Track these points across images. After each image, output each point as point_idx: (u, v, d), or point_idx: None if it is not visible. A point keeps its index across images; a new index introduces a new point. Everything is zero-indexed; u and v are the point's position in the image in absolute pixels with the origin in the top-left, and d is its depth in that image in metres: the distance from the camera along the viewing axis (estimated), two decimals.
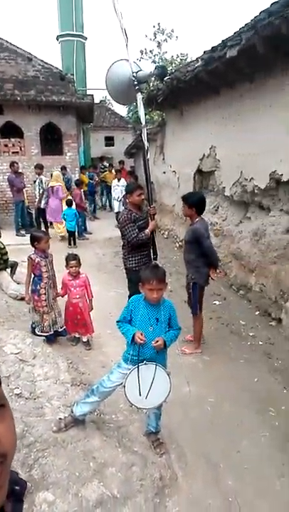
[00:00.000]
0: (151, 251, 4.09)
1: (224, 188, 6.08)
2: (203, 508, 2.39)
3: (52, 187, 9.40)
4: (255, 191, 5.12)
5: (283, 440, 2.92)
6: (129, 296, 3.52)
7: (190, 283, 4.07)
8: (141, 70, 3.30)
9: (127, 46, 3.20)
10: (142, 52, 24.36)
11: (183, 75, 6.31)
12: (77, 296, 4.14)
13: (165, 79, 6.50)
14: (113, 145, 23.21)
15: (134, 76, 3.28)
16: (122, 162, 13.65)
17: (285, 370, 3.81)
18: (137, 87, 3.31)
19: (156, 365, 2.44)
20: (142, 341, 2.40)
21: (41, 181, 9.52)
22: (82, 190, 9.88)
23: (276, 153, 4.58)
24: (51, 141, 11.98)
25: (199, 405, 3.29)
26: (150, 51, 24.52)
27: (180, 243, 8.29)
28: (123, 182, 10.33)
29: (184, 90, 6.69)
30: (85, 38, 17.47)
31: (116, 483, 2.40)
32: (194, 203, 3.97)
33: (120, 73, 3.35)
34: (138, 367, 2.43)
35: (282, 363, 3.94)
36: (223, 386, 3.58)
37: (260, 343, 4.34)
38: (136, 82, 3.27)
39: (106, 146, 23.13)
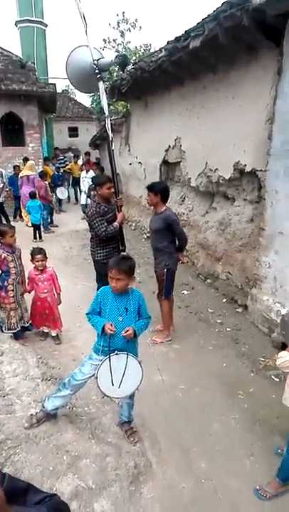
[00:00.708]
0: (120, 243, 4.09)
1: (190, 178, 6.14)
2: (177, 492, 2.45)
3: (27, 176, 9.55)
4: (220, 182, 5.21)
5: (252, 421, 3.03)
6: (98, 289, 3.50)
7: (164, 269, 4.10)
8: (102, 58, 3.24)
9: (86, 32, 3.13)
10: (105, 41, 23.97)
11: (147, 65, 6.27)
12: (45, 291, 4.06)
13: (127, 68, 6.43)
14: (77, 136, 22.77)
15: (94, 64, 3.22)
16: (88, 153, 13.43)
17: (251, 354, 3.95)
18: (98, 76, 3.25)
19: (127, 354, 2.45)
20: (112, 332, 2.40)
21: (1, 175, 9.20)
22: (46, 182, 9.64)
23: (239, 144, 4.68)
24: (12, 132, 11.57)
25: (171, 393, 3.35)
26: (113, 40, 24.19)
27: (148, 234, 8.32)
28: (92, 174, 10.20)
29: (148, 81, 6.65)
30: (46, 25, 16.89)
31: (91, 475, 2.41)
32: (159, 190, 4.00)
33: (81, 60, 3.28)
34: (109, 357, 2.43)
35: (248, 347, 4.08)
36: (194, 373, 3.66)
37: (228, 329, 4.47)
38: (97, 70, 3.21)
39: (70, 137, 22.65)
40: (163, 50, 5.66)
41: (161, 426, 2.97)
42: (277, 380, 3.49)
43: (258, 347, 4.08)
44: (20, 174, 9.97)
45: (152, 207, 4.17)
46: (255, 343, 4.17)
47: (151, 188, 4.05)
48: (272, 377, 3.57)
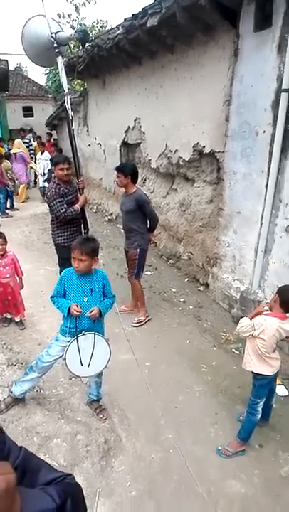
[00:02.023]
0: (82, 226, 4.05)
1: (150, 160, 6.15)
2: (146, 463, 2.56)
3: (14, 153, 9.89)
4: (180, 163, 5.26)
5: (215, 392, 3.20)
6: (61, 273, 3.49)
7: (136, 249, 4.15)
8: (61, 31, 3.12)
9: (43, 1, 2.99)
10: (59, 16, 22.82)
11: (104, 42, 6.10)
12: (7, 276, 3.96)
13: (86, 45, 6.23)
14: (32, 116, 21.88)
15: (52, 37, 3.10)
16: (49, 134, 12.98)
17: (213, 329, 4.13)
18: (57, 50, 3.13)
19: (94, 333, 2.49)
20: (77, 313, 2.41)
21: None
22: (1, 164, 9.23)
23: (198, 125, 4.73)
24: None
25: (138, 370, 3.44)
26: (68, 15, 23.11)
27: (110, 217, 8.28)
28: (46, 155, 9.89)
29: (106, 59, 6.50)
30: None
31: (62, 453, 2.45)
32: (129, 171, 3.98)
33: (39, 31, 3.13)
34: (77, 338, 2.45)
35: (210, 323, 4.25)
36: (159, 350, 3.77)
37: (191, 307, 4.62)
38: (56, 45, 3.09)
39: (25, 116, 21.71)
40: (120, 27, 5.53)
41: (129, 402, 3.06)
42: (238, 352, 3.68)
43: (219, 323, 4.26)
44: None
45: (122, 188, 4.15)
46: (217, 319, 4.35)
47: (121, 169, 4.01)
48: (233, 350, 3.76)
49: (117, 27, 5.79)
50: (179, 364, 3.56)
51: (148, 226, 4.20)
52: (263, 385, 2.52)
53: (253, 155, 3.79)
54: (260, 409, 2.55)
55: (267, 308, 2.49)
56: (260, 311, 2.47)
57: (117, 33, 5.63)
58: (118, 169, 4.04)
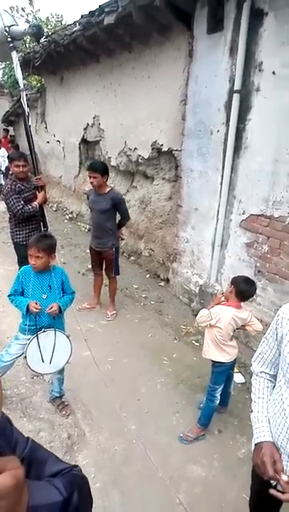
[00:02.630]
0: (41, 224, 4.01)
1: (110, 158, 6.17)
2: (110, 455, 2.60)
3: None
4: (140, 161, 5.33)
5: (176, 383, 3.30)
6: None
7: (112, 249, 4.18)
8: (15, 25, 3.06)
9: None
10: (12, 9, 22.11)
11: (61, 38, 6.03)
12: None
13: (41, 40, 6.12)
14: None
15: (6, 31, 3.04)
16: (6, 130, 12.62)
17: (174, 323, 4.24)
18: (11, 45, 3.08)
19: (55, 330, 2.49)
20: (37, 310, 2.41)
21: None
22: None
23: (156, 123, 4.82)
24: None
25: (100, 366, 3.47)
26: (22, 9, 22.42)
27: (70, 215, 8.20)
28: (3, 152, 9.63)
29: (63, 55, 6.42)
30: None
31: None
32: (105, 170, 3.96)
33: None
34: (37, 335, 2.44)
35: (171, 317, 4.36)
36: (121, 345, 3.82)
37: (152, 302, 4.71)
38: (10, 39, 3.04)
39: None
40: (77, 24, 5.50)
41: (92, 397, 3.08)
42: (198, 344, 3.81)
43: (179, 316, 4.39)
44: None
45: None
46: (177, 313, 4.47)
47: (97, 168, 3.91)
48: (193, 342, 3.89)
49: (74, 23, 5.75)
50: (141, 358, 3.63)
51: (118, 224, 4.26)
52: (221, 372, 2.64)
53: (208, 153, 3.93)
54: (218, 395, 2.67)
55: (223, 298, 2.62)
56: (219, 301, 2.59)
57: (74, 29, 5.59)
58: (94, 169, 3.92)
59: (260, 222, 3.43)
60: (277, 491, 1.30)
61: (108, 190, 4.02)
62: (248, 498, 1.87)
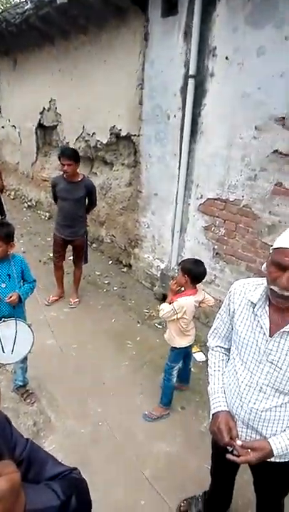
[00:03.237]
0: None
1: (68, 143, 6.04)
2: (77, 438, 2.65)
3: None
4: (98, 146, 5.27)
5: (140, 365, 3.38)
6: None
7: (83, 236, 4.17)
8: None
9: None
10: None
11: (12, 17, 5.75)
12: None
13: None
14: None
15: None
16: None
17: (137, 307, 4.31)
18: None
19: (15, 319, 2.47)
20: None
21: None
22: None
23: (114, 108, 4.77)
24: None
25: (64, 353, 3.48)
26: None
27: (29, 203, 7.99)
28: None
29: (16, 35, 6.15)
30: None
31: None
32: (78, 158, 3.83)
33: None
34: None
35: (134, 302, 4.43)
36: (85, 332, 3.84)
37: (115, 288, 4.75)
38: None
39: None
40: (29, 1, 5.26)
41: (57, 384, 3.10)
42: (160, 327, 3.91)
43: (142, 300, 4.46)
44: None
45: (68, 175, 3.83)
46: (140, 297, 4.54)
47: (71, 156, 3.73)
48: (156, 325, 3.99)
49: (26, 1, 5.49)
50: (106, 343, 3.68)
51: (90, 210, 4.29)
52: (179, 353, 2.74)
53: (165, 138, 3.96)
54: (175, 373, 2.77)
55: (178, 287, 2.63)
56: (175, 291, 2.61)
57: (26, 7, 5.35)
58: (68, 156, 3.72)
59: (216, 205, 3.53)
60: (234, 455, 1.40)
61: (81, 177, 3.94)
62: (209, 467, 1.99)
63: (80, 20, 4.78)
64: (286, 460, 1.45)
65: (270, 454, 1.34)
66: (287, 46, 2.66)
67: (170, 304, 2.58)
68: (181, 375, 3.01)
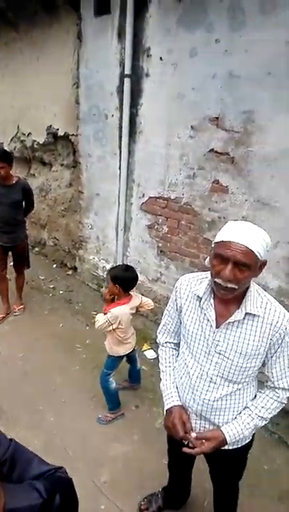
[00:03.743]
0: None
1: (2, 143, 5.78)
2: (31, 450, 2.53)
3: None
4: (35, 146, 5.11)
5: (91, 367, 3.33)
6: None
7: (24, 241, 3.97)
8: None
9: None
10: None
11: None
12: None
13: None
14: None
15: None
16: None
17: (85, 310, 4.25)
18: None
19: None
20: None
21: None
22: None
23: (50, 107, 4.65)
24: None
25: (10, 363, 3.33)
26: None
27: None
28: None
29: None
30: None
31: None
32: (11, 159, 3.59)
33: None
34: None
35: (81, 305, 4.36)
36: (32, 339, 3.70)
37: (61, 292, 4.63)
38: None
39: None
40: None
41: (4, 396, 2.95)
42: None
43: (90, 303, 4.40)
44: None
45: (2, 178, 3.56)
46: (87, 299, 4.48)
47: (3, 157, 3.49)
48: None
49: None
50: (54, 348, 3.57)
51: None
52: (116, 360, 2.71)
53: (104, 138, 3.94)
54: (112, 379, 2.74)
55: (112, 296, 2.58)
56: (110, 301, 2.57)
57: None
58: (0, 158, 3.48)
59: (158, 204, 3.58)
60: (189, 447, 1.43)
61: (16, 180, 3.71)
62: (166, 463, 2.02)
63: (8, 14, 4.58)
64: (238, 446, 1.51)
65: (224, 442, 1.39)
66: (217, 48, 2.77)
67: (105, 314, 2.51)
68: (131, 375, 3.02)
